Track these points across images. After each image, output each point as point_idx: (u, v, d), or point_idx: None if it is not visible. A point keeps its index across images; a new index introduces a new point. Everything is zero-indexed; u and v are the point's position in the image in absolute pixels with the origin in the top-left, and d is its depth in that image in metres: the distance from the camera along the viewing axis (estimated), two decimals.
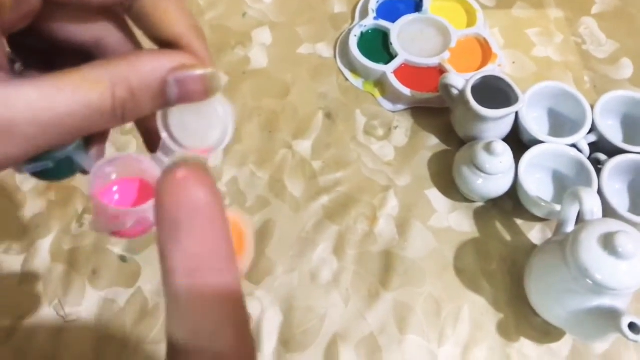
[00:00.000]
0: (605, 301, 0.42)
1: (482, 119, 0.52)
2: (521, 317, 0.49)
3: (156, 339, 0.47)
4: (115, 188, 0.26)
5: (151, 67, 0.21)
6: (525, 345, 0.48)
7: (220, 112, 0.24)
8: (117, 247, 0.51)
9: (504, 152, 0.50)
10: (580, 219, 0.45)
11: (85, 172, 0.26)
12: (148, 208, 0.24)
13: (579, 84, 0.62)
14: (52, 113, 0.20)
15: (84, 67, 0.21)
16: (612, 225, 0.41)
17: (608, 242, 0.40)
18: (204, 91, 0.22)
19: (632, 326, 0.39)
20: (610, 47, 0.65)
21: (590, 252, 0.40)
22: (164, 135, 0.23)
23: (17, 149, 0.20)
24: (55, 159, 0.25)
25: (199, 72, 0.22)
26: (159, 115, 0.23)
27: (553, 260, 0.45)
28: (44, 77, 0.20)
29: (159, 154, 0.25)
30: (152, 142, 0.26)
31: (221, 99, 0.24)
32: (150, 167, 0.25)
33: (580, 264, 0.40)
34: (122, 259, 0.50)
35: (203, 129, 0.24)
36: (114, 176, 0.25)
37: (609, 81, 0.63)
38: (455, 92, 0.54)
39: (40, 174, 0.26)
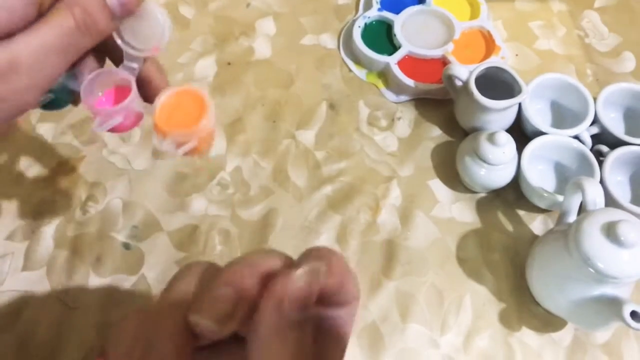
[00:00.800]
0: (607, 290, 0.42)
1: (485, 109, 0.52)
2: (523, 307, 0.49)
3: None
4: (102, 96, 0.35)
5: None
6: (527, 335, 0.48)
7: (159, 17, 0.31)
8: (120, 234, 0.51)
9: (507, 142, 0.50)
10: (582, 209, 0.45)
11: (78, 101, 0.35)
12: (129, 102, 0.33)
13: (582, 76, 0.62)
14: (43, 44, 0.28)
15: (52, 9, 0.29)
16: (614, 214, 0.41)
17: (610, 231, 0.40)
18: (137, 1, 0.30)
19: (634, 314, 0.39)
20: (613, 41, 0.66)
21: (593, 240, 0.41)
22: (119, 43, 0.32)
23: (27, 81, 0.28)
24: (55, 91, 0.34)
25: None
26: (115, 32, 0.32)
27: (555, 250, 0.45)
28: (32, 26, 0.28)
29: (125, 62, 0.33)
30: (116, 59, 0.34)
31: (157, 7, 0.31)
32: (122, 73, 0.34)
33: (582, 252, 0.41)
34: (126, 246, 0.51)
35: (149, 32, 0.32)
36: (99, 90, 0.34)
37: (611, 74, 0.63)
38: (458, 83, 0.54)
39: (47, 106, 0.35)
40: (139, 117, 0.35)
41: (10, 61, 0.27)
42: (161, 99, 0.33)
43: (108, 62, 0.35)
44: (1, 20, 0.27)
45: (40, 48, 0.28)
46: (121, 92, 0.34)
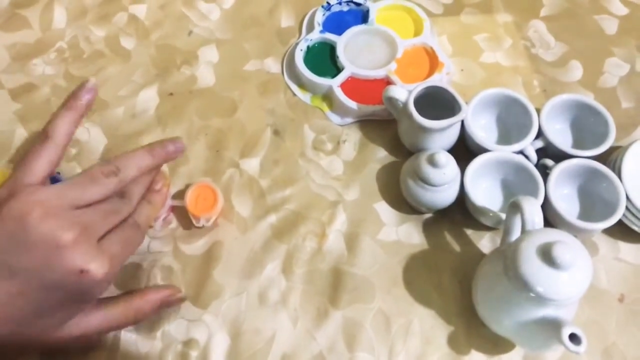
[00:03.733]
0: (549, 312, 0.41)
1: (426, 130, 0.51)
2: (472, 329, 0.48)
3: None
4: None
5: (152, 299, 0.45)
6: (476, 357, 0.47)
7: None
8: None
9: (447, 163, 0.50)
10: (522, 228, 0.44)
11: None
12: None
13: (529, 88, 0.62)
14: (102, 325, 0.42)
15: (123, 301, 0.44)
16: (550, 235, 0.41)
17: (546, 253, 0.39)
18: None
19: (572, 337, 0.39)
20: (560, 50, 0.65)
21: (530, 263, 0.40)
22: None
23: (87, 340, 0.42)
24: None
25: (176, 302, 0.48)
26: None
27: (497, 272, 0.44)
28: (102, 309, 0.42)
29: None
30: None
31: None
32: None
33: (520, 276, 0.40)
34: None
35: None
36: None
37: (558, 84, 0.63)
38: (399, 104, 0.54)
39: None
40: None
41: (85, 334, 0.41)
42: (188, 194, 0.52)
43: None
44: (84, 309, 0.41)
45: (106, 325, 0.42)
46: None
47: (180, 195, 0.54)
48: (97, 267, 0.36)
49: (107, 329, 0.43)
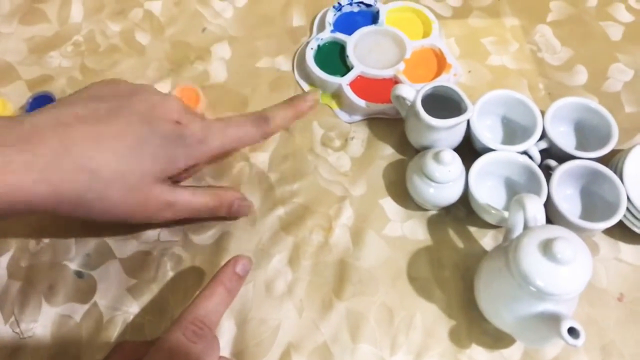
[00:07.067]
0: (549, 306, 0.42)
1: (432, 128, 0.52)
2: (473, 323, 0.49)
3: None
4: None
5: (231, 194, 0.51)
6: (477, 352, 0.48)
7: None
8: (73, 262, 0.51)
9: (453, 160, 0.51)
10: (524, 225, 0.46)
11: None
12: None
13: (534, 91, 0.63)
14: (190, 204, 0.47)
15: (207, 189, 0.50)
16: (552, 231, 0.42)
17: (547, 248, 0.40)
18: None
19: (571, 330, 0.40)
20: (565, 54, 0.66)
21: (531, 258, 0.41)
22: None
23: (171, 216, 0.47)
24: None
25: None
26: None
27: (499, 267, 0.45)
28: (190, 188, 0.48)
29: None
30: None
31: None
32: None
33: (521, 270, 0.41)
34: (78, 274, 0.51)
35: None
36: None
37: (563, 88, 0.64)
38: (407, 103, 0.55)
39: None
40: None
41: (171, 202, 0.45)
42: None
43: None
44: (183, 170, 0.46)
45: (189, 204, 0.47)
46: None
47: None
48: (191, 120, 0.45)
49: (193, 206, 0.47)
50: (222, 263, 0.51)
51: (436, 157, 0.51)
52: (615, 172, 0.52)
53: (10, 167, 0.37)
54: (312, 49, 0.63)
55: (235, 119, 0.49)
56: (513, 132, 0.58)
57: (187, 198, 0.47)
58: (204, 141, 0.45)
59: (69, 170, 0.39)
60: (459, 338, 0.49)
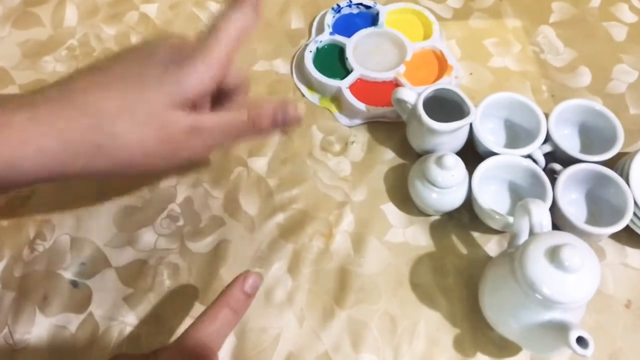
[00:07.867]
0: (556, 314, 0.41)
1: (434, 132, 0.51)
2: (478, 332, 0.48)
3: None
4: None
5: (266, 107, 0.42)
6: None
7: None
8: (68, 271, 0.50)
9: (456, 165, 0.50)
10: (530, 231, 0.44)
11: None
12: None
13: (537, 93, 0.62)
14: (219, 123, 0.40)
15: (231, 109, 0.44)
16: (559, 238, 0.41)
17: (554, 256, 0.39)
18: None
19: (580, 340, 0.38)
20: (568, 56, 0.65)
21: (537, 266, 0.40)
22: None
23: (201, 145, 0.40)
24: None
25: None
26: None
27: (504, 274, 0.44)
28: (215, 112, 0.42)
29: None
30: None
31: None
32: None
33: (527, 278, 0.40)
34: (73, 284, 0.50)
35: None
36: None
37: (566, 89, 0.63)
38: (408, 106, 0.54)
39: None
40: None
41: (195, 125, 0.39)
42: None
43: None
44: (195, 90, 0.38)
45: (217, 123, 0.40)
46: None
47: None
48: (187, 42, 0.41)
49: (224, 124, 0.41)
50: (220, 272, 0.50)
51: (439, 161, 0.50)
52: (621, 175, 0.51)
53: (14, 124, 0.35)
54: (310, 51, 0.62)
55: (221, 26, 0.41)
56: (516, 135, 0.57)
57: (213, 118, 0.41)
58: (205, 52, 0.39)
59: (74, 118, 0.36)
60: (463, 347, 0.48)
